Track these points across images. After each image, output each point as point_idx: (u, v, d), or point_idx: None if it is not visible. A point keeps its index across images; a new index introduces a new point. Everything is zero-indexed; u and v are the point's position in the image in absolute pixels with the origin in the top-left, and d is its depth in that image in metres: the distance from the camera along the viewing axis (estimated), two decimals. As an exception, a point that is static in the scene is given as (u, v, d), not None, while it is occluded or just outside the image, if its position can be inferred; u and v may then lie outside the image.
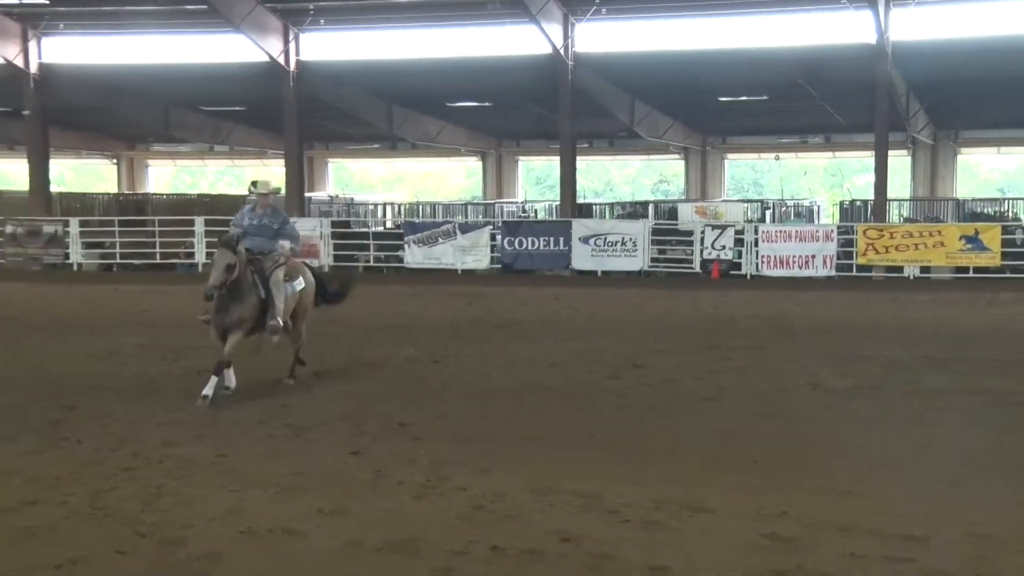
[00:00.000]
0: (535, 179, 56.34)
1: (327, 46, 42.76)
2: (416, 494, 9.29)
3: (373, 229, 42.06)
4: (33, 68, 43.03)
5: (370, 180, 59.37)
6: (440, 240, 38.53)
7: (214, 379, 13.25)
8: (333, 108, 43.85)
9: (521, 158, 54.84)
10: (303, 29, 41.83)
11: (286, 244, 15.00)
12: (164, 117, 49.30)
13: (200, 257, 39.75)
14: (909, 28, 37.33)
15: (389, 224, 43.61)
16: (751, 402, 13.91)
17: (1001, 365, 16.57)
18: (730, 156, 53.27)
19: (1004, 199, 43.32)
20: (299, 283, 15.08)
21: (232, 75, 43.30)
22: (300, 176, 43.42)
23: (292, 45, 41.65)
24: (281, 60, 41.54)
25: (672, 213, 40.93)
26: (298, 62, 41.94)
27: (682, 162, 52.78)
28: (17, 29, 42.46)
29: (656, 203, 44.80)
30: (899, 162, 44.77)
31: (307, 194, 45.29)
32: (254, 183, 15.16)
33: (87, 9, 42.29)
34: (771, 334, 20.68)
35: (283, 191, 16.65)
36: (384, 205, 48.19)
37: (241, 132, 52.00)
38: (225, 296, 13.52)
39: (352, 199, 49.59)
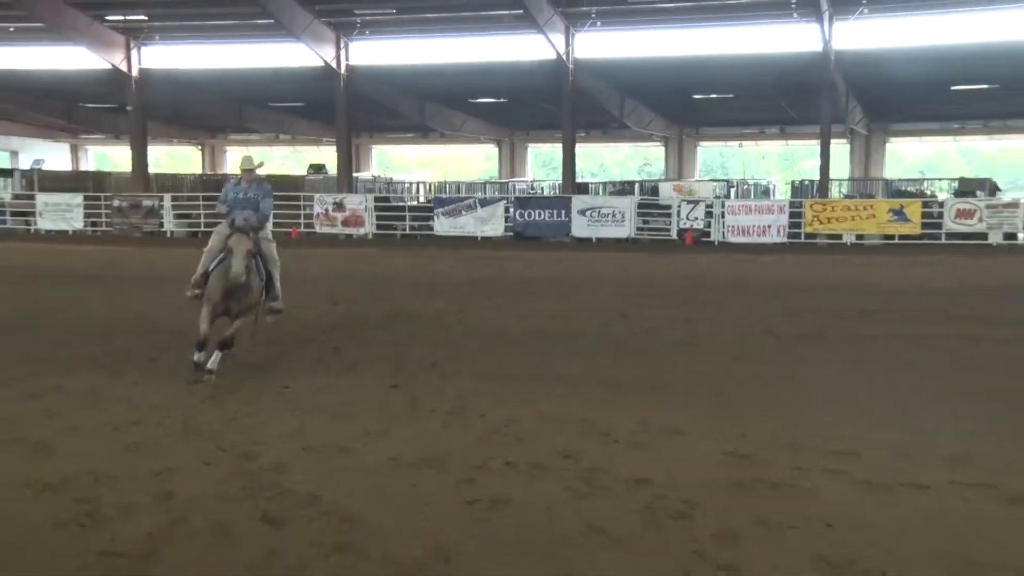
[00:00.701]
0: (542, 162, 56.13)
1: (371, 52, 42.63)
2: (444, 420, 9.38)
3: (408, 203, 41.93)
4: (134, 72, 43.32)
5: (406, 163, 59.23)
6: (463, 212, 38.51)
7: (218, 354, 11.19)
8: (376, 104, 43.73)
9: (530, 145, 54.63)
10: (352, 38, 41.91)
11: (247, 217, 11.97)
12: (238, 112, 49.76)
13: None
14: (848, 39, 37.30)
15: (422, 199, 43.48)
16: (718, 346, 13.97)
17: (920, 315, 16.60)
18: (702, 143, 53.03)
19: (923, 179, 43.12)
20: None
21: (293, 77, 43.40)
22: (349, 160, 43.52)
23: (343, 52, 41.72)
24: (334, 64, 41.62)
25: (654, 190, 40.79)
26: (348, 66, 41.97)
27: (662, 148, 52.53)
28: (122, 41, 42.88)
29: (641, 182, 44.62)
30: (840, 149, 44.59)
31: (355, 174, 45.27)
32: (244, 160, 12.70)
33: (177, 24, 42.71)
34: (734, 291, 20.70)
35: (264, 166, 13.30)
36: (417, 183, 48.03)
37: (301, 124, 51.89)
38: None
39: (391, 179, 49.47)
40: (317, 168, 47.44)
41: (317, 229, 39.61)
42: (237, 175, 12.81)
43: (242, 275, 10.95)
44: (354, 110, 42.86)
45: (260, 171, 12.78)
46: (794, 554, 6.09)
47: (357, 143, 47.91)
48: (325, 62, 41.41)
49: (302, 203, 40.44)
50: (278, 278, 12.59)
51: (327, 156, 48.18)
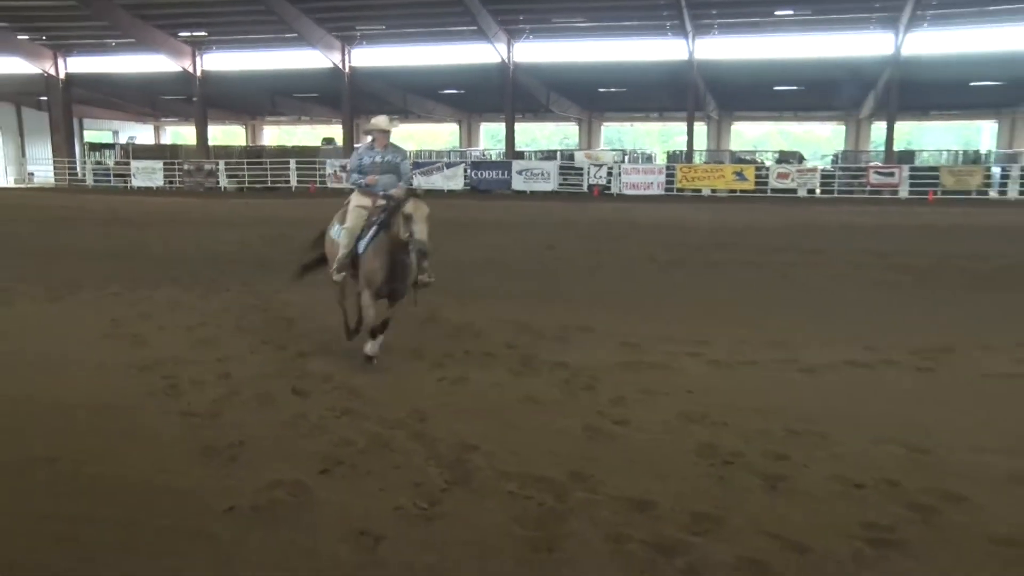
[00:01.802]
0: (491, 136, 55.47)
1: (368, 57, 41.92)
2: (420, 322, 9.27)
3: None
4: (198, 73, 42.79)
5: (392, 136, 58.18)
6: (435, 172, 38.18)
7: (378, 339, 7.38)
8: (371, 94, 43.14)
9: (483, 124, 54.08)
10: (353, 47, 41.35)
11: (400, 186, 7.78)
12: (271, 101, 48.83)
13: (293, 181, 39.80)
14: (706, 52, 37.25)
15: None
16: (616, 270, 14.01)
17: (754, 246, 16.78)
18: (605, 123, 52.65)
19: (755, 151, 43.35)
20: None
21: (311, 75, 42.65)
22: (351, 135, 43.19)
23: (347, 57, 41.35)
24: (341, 66, 41.19)
25: (571, 157, 40.52)
26: (351, 67, 41.48)
27: (577, 127, 52.16)
28: (189, 50, 42.40)
29: (561, 151, 44.33)
30: (700, 128, 44.64)
31: (355, 145, 44.76)
32: (368, 127, 8.23)
33: (229, 38, 42.10)
34: (627, 229, 20.75)
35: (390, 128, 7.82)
36: (402, 152, 47.45)
37: (317, 108, 50.91)
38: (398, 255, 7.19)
39: (382, 149, 48.99)
40: (328, 141, 46.80)
41: (329, 185, 39.20)
42: (368, 139, 8.28)
43: (427, 243, 6.99)
44: (355, 99, 42.39)
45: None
46: (665, 412, 6.16)
47: (358, 122, 47.04)
48: (334, 64, 41.13)
49: (317, 166, 40.32)
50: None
51: (336, 131, 47.54)
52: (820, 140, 53.45)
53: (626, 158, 40.87)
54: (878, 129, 43.08)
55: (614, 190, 35.82)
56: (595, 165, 37.13)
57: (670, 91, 40.43)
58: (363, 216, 7.56)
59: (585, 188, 36.20)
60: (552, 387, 6.81)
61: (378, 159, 7.75)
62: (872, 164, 36.42)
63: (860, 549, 4.08)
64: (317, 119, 54.55)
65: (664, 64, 38.15)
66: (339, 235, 7.68)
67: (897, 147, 37.56)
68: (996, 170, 34.32)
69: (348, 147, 42.27)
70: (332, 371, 7.21)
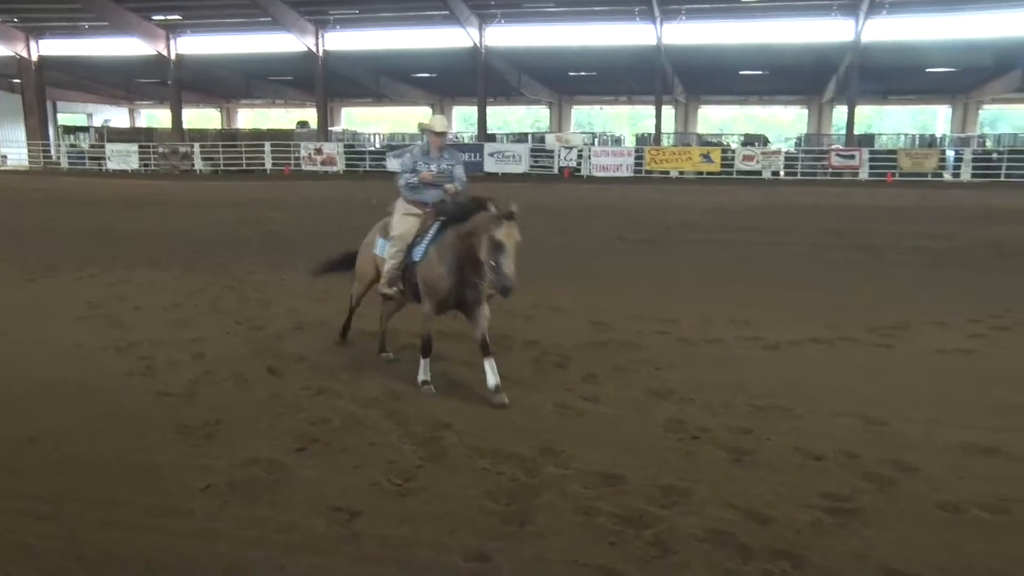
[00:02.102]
0: (464, 119, 55.24)
1: (342, 41, 41.61)
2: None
3: (368, 149, 41.18)
4: (173, 56, 42.29)
5: (366, 120, 57.73)
6: (407, 154, 37.90)
7: (425, 361, 6.17)
8: (345, 78, 42.87)
9: (455, 107, 53.83)
10: (327, 30, 41.06)
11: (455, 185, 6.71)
12: (246, 84, 48.38)
13: (268, 164, 39.40)
14: (675, 36, 37.29)
15: (377, 145, 42.65)
16: (586, 248, 14.04)
17: (719, 226, 16.90)
18: (575, 106, 52.66)
19: (722, 134, 43.57)
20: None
21: (285, 59, 42.29)
22: (325, 117, 42.92)
23: (321, 41, 40.96)
24: (314, 50, 40.74)
25: (542, 139, 40.49)
26: (324, 51, 41.10)
27: (548, 109, 52.07)
28: (163, 34, 41.84)
29: (532, 134, 44.33)
30: (668, 112, 44.68)
31: (329, 128, 44.45)
32: (421, 125, 7.05)
33: (203, 21, 41.56)
34: (596, 210, 20.79)
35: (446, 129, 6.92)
36: (375, 134, 47.12)
37: (291, 92, 50.45)
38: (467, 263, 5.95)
39: (355, 132, 48.61)
40: (302, 124, 46.36)
41: (303, 167, 38.83)
42: (420, 140, 7.01)
43: (513, 282, 5.63)
44: (329, 82, 42.19)
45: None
46: (635, 388, 6.19)
47: (331, 106, 46.82)
48: (308, 48, 40.77)
49: (292, 149, 39.90)
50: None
51: (310, 115, 47.13)
52: (784, 124, 53.84)
53: (596, 141, 40.90)
54: (839, 113, 43.42)
55: (584, 172, 35.83)
56: (566, 148, 37.09)
57: (638, 75, 40.45)
58: (414, 224, 6.47)
59: (556, 170, 36.16)
60: (523, 365, 6.81)
61: (434, 168, 6.61)
62: (834, 147, 36.73)
63: (820, 519, 4.13)
64: (291, 102, 54.08)
65: (633, 48, 38.16)
66: (384, 249, 6.61)
67: (857, 131, 37.99)
68: (950, 153, 34.77)
69: (322, 130, 42.03)
70: (306, 351, 7.16)
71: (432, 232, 6.23)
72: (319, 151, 39.27)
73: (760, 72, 40.50)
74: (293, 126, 46.58)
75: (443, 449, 4.99)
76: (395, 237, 6.48)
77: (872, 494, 4.41)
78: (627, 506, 4.24)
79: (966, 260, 12.61)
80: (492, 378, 5.90)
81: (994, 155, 34.13)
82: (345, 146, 40.31)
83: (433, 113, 52.87)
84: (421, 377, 6.17)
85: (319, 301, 9.20)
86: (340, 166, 38.72)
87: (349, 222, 17.55)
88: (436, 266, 6.07)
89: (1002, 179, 32.07)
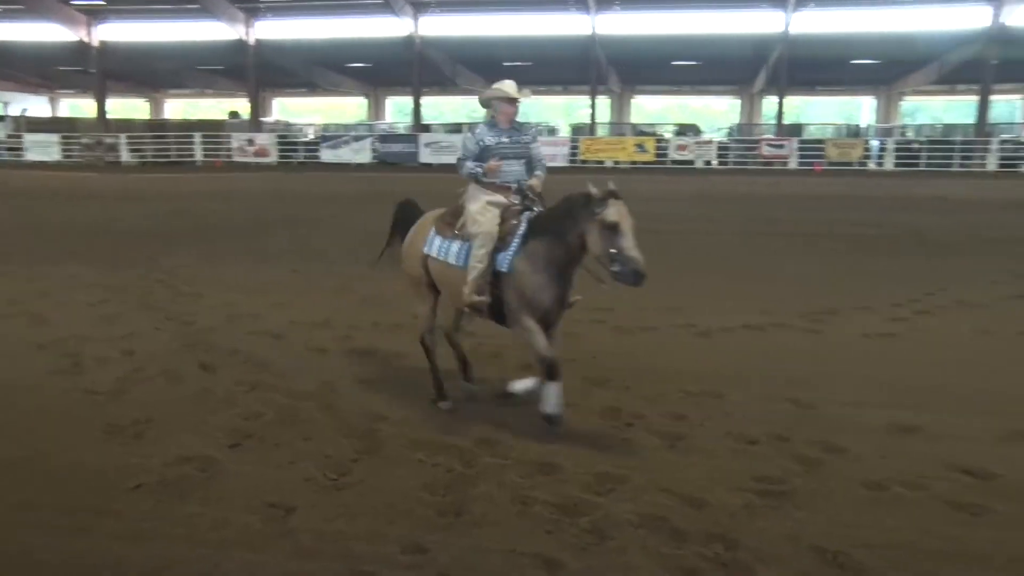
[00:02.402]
0: (399, 109, 54.77)
1: (274, 29, 40.95)
2: (331, 293, 9.22)
3: (301, 139, 40.58)
4: (95, 43, 41.00)
5: (300, 110, 56.86)
6: (342, 145, 37.51)
7: (556, 385, 4.99)
8: (277, 67, 42.14)
9: (390, 97, 53.40)
10: (258, 19, 40.42)
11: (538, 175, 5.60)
12: (175, 73, 47.12)
13: (198, 155, 38.51)
14: (609, 26, 37.55)
15: (311, 136, 42.06)
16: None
17: (659, 216, 17.05)
18: (510, 98, 52.68)
19: (656, 124, 44.04)
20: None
21: (215, 48, 41.54)
22: (257, 108, 42.12)
23: (252, 29, 40.11)
24: (245, 38, 40.05)
25: (477, 131, 40.39)
26: (256, 40, 40.35)
27: (483, 101, 51.99)
28: (84, 19, 40.64)
29: (469, 124, 44.17)
30: (603, 102, 45.00)
31: (262, 119, 43.68)
32: (485, 95, 5.64)
33: (128, 7, 40.49)
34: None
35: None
36: (309, 125, 46.45)
37: (223, 82, 49.21)
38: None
39: (288, 122, 47.86)
40: (234, 115, 45.43)
41: (235, 159, 38.05)
42: (487, 114, 5.64)
43: (643, 264, 4.87)
44: (261, 72, 41.43)
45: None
46: (571, 377, 6.18)
47: (263, 96, 46.01)
48: (239, 36, 39.97)
49: (223, 140, 39.08)
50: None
51: (242, 105, 46.17)
52: (717, 114, 54.62)
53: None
54: (770, 103, 44.28)
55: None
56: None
57: (573, 65, 40.65)
58: (496, 218, 5.26)
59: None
60: (452, 360, 6.80)
61: (505, 140, 5.43)
62: (764, 137, 37.42)
63: (752, 501, 4.23)
64: (222, 92, 52.91)
65: (567, 39, 38.35)
66: (447, 251, 5.40)
67: (787, 121, 38.79)
68: (875, 143, 35.77)
69: (254, 121, 41.25)
70: (240, 345, 7.04)
71: (520, 233, 5.17)
72: (251, 142, 38.47)
73: (693, 63, 41.03)
74: (225, 117, 45.65)
75: (379, 442, 4.96)
76: (480, 235, 5.20)
77: (802, 476, 4.53)
78: (563, 494, 4.28)
79: (890, 247, 12.99)
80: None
81: (914, 145, 35.24)
82: (278, 137, 39.64)
83: (368, 102, 52.60)
84: (553, 410, 4.98)
85: (253, 293, 9.05)
86: (273, 157, 38.02)
87: (282, 212, 17.35)
88: (535, 274, 5.05)
89: (922, 168, 33.13)
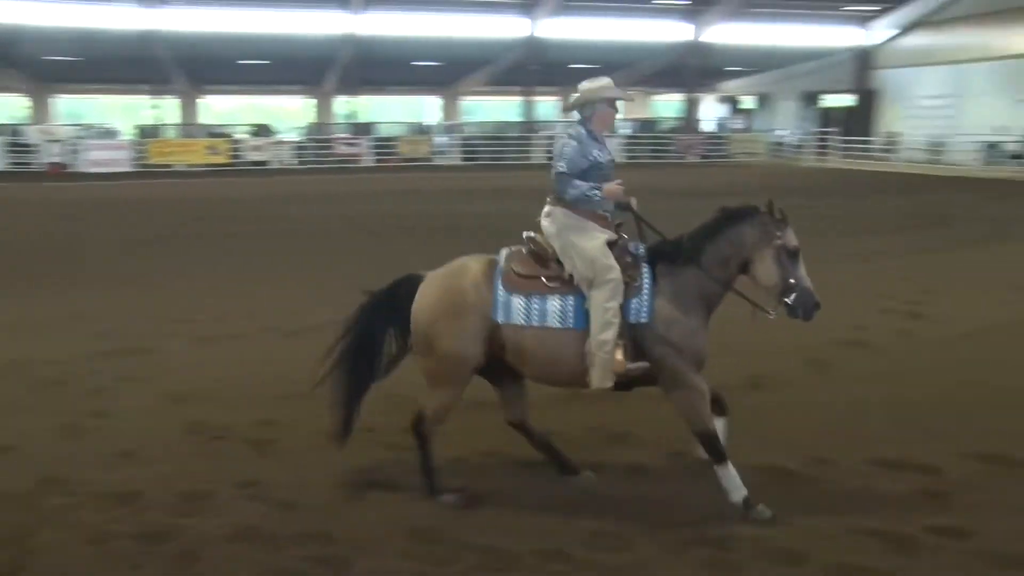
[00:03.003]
0: None
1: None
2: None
3: None
4: None
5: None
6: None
7: (728, 465, 4.07)
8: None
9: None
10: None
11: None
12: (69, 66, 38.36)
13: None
14: (171, 22, 35.90)
15: None
16: (91, 251, 12.74)
17: (235, 218, 16.55)
18: (56, 96, 47.24)
19: (228, 125, 42.54)
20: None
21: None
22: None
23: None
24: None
25: (18, 132, 35.66)
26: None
27: (29, 99, 45.96)
28: None
29: (11, 126, 38.80)
30: (170, 102, 42.44)
31: None
32: (578, 98, 4.29)
33: None
34: (92, 208, 18.96)
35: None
36: None
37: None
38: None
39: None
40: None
41: None
42: (574, 119, 4.36)
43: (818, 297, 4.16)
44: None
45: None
46: (149, 396, 5.91)
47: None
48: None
49: None
50: None
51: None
52: (292, 113, 54.33)
53: (88, 133, 37.27)
54: (343, 103, 45.30)
55: (77, 168, 32.38)
56: (51, 141, 33.25)
57: (133, 62, 37.71)
58: (608, 257, 4.11)
59: (42, 167, 32.11)
60: (14, 387, 6.01)
61: (605, 157, 4.30)
62: (338, 136, 38.19)
63: (349, 494, 4.37)
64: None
65: (123, 33, 35.66)
66: (543, 312, 4.15)
67: (360, 120, 40.16)
68: (441, 140, 38.49)
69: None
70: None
71: (649, 280, 4.15)
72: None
73: (262, 62, 40.62)
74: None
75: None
76: (613, 281, 4.05)
77: (392, 464, 4.71)
78: (146, 523, 4.03)
79: (455, 236, 13.91)
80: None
81: (474, 141, 38.64)
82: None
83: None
84: (740, 496, 4.04)
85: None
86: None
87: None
88: (688, 317, 4.14)
89: (480, 162, 36.37)
